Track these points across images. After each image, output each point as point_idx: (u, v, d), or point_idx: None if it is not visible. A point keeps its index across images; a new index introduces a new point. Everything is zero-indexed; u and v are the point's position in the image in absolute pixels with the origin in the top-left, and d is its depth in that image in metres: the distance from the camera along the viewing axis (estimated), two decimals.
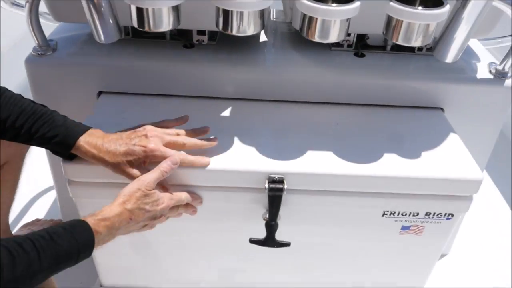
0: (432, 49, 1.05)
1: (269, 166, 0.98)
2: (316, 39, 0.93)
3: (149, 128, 0.95)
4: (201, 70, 1.18)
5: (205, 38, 1.22)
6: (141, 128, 0.95)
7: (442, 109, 1.22)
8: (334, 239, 1.12)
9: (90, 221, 0.81)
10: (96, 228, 0.81)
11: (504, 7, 1.04)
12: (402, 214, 1.04)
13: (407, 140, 1.09)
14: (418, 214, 1.04)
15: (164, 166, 0.90)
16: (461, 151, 1.07)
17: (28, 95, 1.04)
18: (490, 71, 1.21)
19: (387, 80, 1.19)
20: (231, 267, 1.23)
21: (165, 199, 0.92)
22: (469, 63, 1.26)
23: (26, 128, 0.88)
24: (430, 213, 1.03)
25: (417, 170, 0.99)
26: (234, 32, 0.92)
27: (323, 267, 1.21)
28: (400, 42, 0.94)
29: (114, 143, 0.90)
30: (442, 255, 1.58)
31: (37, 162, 1.53)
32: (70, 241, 0.76)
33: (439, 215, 1.04)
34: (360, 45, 1.27)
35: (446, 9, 0.89)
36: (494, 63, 1.24)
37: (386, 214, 1.04)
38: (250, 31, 0.93)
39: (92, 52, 1.20)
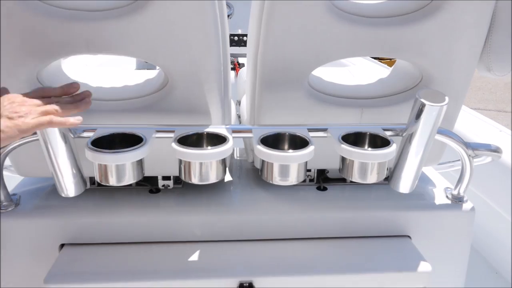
0: (388, 180, 1.10)
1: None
2: (277, 182, 0.97)
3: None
4: (167, 215, 1.18)
5: (170, 183, 1.25)
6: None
7: (409, 236, 1.23)
8: None
9: None
10: None
11: (446, 139, 1.13)
12: None
13: (374, 261, 1.13)
14: None
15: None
16: (413, 252, 1.17)
17: None
18: (447, 196, 1.27)
19: (351, 212, 1.22)
20: None
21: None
22: (426, 189, 1.32)
23: None
24: None
25: (375, 268, 1.10)
26: (197, 182, 0.95)
27: None
28: (356, 179, 0.99)
29: None
30: None
31: None
32: None
33: None
34: (321, 179, 1.32)
35: (393, 149, 0.96)
36: (449, 188, 1.30)
37: None
38: (212, 179, 0.96)
39: (57, 204, 1.20)
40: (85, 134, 1.02)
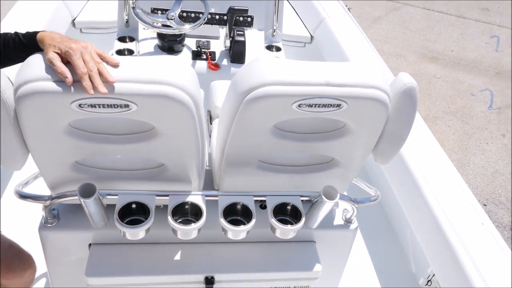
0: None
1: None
2: (229, 237, 1.61)
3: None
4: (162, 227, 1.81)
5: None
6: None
7: (314, 241, 1.94)
8: None
9: None
10: None
11: (340, 201, 1.76)
12: None
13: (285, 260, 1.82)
14: None
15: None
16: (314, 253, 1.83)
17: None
18: (342, 218, 1.95)
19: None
20: None
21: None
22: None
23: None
24: None
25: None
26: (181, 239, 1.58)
27: None
28: (278, 236, 1.64)
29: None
30: None
31: None
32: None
33: None
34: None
35: (301, 224, 1.60)
36: (346, 209, 1.97)
37: None
38: (193, 236, 1.59)
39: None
40: (108, 197, 1.58)
